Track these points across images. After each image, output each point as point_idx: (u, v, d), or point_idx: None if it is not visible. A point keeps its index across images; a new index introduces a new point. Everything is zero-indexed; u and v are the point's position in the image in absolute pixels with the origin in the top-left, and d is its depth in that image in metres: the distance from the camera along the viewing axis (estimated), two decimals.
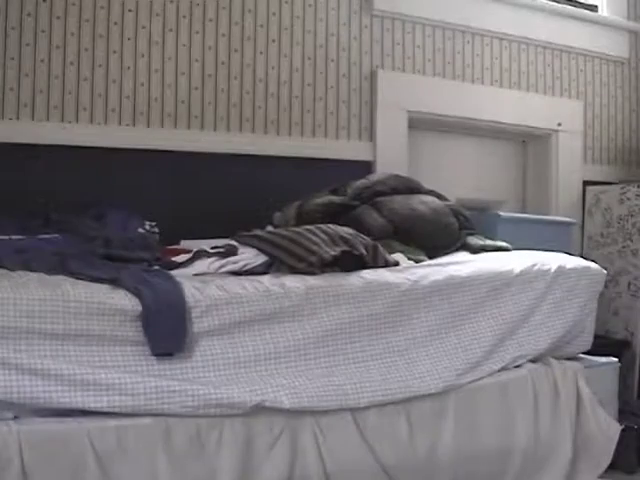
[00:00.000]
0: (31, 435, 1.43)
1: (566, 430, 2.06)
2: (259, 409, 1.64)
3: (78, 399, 1.48)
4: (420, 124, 3.31)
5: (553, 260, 2.26)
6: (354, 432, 1.75)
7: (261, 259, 1.96)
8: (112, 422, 1.51)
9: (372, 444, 1.78)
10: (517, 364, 2.08)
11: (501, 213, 2.82)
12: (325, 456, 1.71)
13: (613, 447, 2.11)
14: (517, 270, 2.16)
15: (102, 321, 1.57)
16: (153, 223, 2.38)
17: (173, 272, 1.84)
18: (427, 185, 2.71)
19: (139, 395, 1.53)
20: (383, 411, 1.80)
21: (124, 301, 1.60)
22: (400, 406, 1.82)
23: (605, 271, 2.35)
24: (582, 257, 2.48)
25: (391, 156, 3.13)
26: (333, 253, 1.94)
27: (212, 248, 2.02)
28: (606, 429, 2.12)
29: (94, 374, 1.51)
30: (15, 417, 1.46)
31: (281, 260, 1.94)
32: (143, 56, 2.69)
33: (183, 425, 1.57)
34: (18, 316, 1.49)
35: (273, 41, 2.94)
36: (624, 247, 3.37)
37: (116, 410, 1.52)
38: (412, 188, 2.63)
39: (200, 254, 2.00)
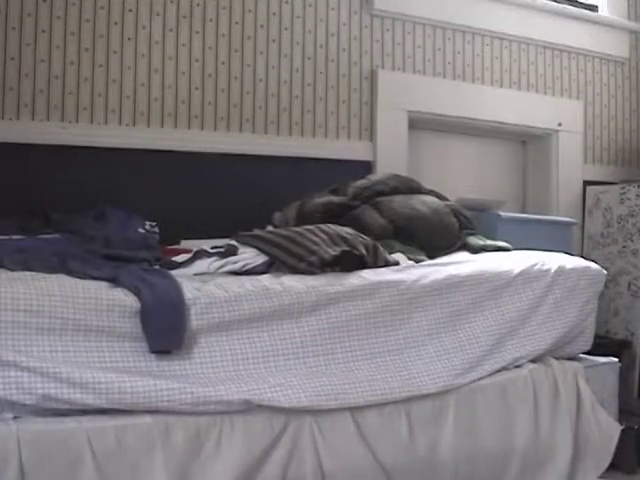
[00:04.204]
0: (29, 434, 1.42)
1: (566, 430, 2.05)
2: (258, 408, 1.64)
3: (77, 396, 1.48)
4: (420, 124, 3.31)
5: (553, 260, 2.26)
6: (354, 432, 1.75)
7: (261, 259, 1.96)
8: (111, 422, 1.51)
9: (371, 444, 1.77)
10: (517, 364, 2.08)
11: (501, 213, 2.82)
12: (324, 456, 1.70)
13: (613, 447, 2.11)
14: (517, 270, 2.16)
15: (100, 317, 1.57)
16: (153, 223, 2.38)
17: (173, 272, 1.84)
18: (427, 185, 2.71)
19: (138, 393, 1.53)
20: (383, 411, 1.80)
21: (123, 296, 1.61)
22: (400, 406, 1.82)
23: (605, 271, 2.34)
24: (582, 257, 2.48)
25: (391, 156, 3.13)
26: (333, 253, 1.94)
27: (212, 248, 2.02)
28: (606, 429, 2.11)
29: (92, 371, 1.51)
30: (15, 417, 1.46)
31: (281, 260, 1.94)
32: (143, 56, 2.69)
33: (182, 424, 1.56)
34: (15, 310, 1.50)
35: (273, 41, 2.94)
36: (624, 247, 3.37)
37: (115, 407, 1.51)
38: (412, 188, 2.63)
39: (200, 254, 2.00)
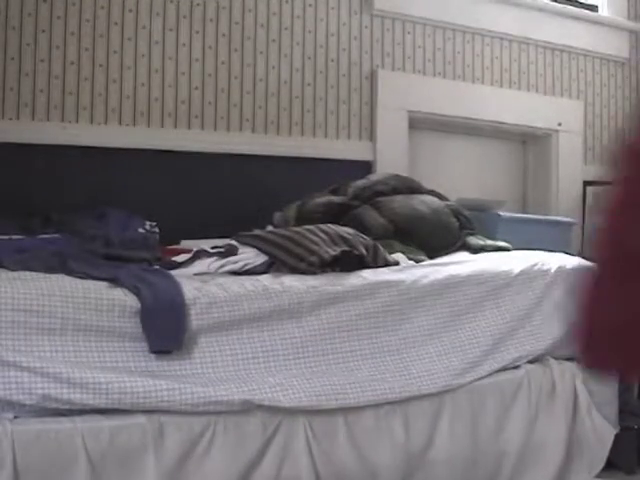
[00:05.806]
0: (24, 434, 1.42)
1: (560, 431, 2.05)
2: (256, 408, 1.64)
3: (77, 396, 1.48)
4: (420, 124, 3.31)
5: (553, 260, 2.26)
6: (348, 433, 1.75)
7: (261, 259, 1.96)
8: (105, 422, 1.50)
9: (367, 445, 1.77)
10: (517, 364, 2.08)
11: (501, 213, 2.82)
12: (318, 457, 1.69)
13: (607, 451, 2.09)
14: (517, 270, 2.16)
15: (100, 317, 1.57)
16: (153, 223, 2.38)
17: (173, 272, 1.84)
18: (427, 185, 2.71)
19: (138, 393, 1.53)
20: (379, 412, 1.80)
21: (122, 296, 1.61)
22: (396, 406, 1.82)
23: None
24: (582, 257, 2.48)
25: (391, 156, 3.13)
26: (333, 253, 1.94)
27: (212, 248, 2.02)
28: (600, 432, 2.10)
29: (92, 371, 1.51)
30: (15, 417, 1.45)
31: (281, 260, 1.94)
32: (143, 56, 2.69)
33: (176, 425, 1.56)
34: (15, 310, 1.49)
35: (273, 41, 2.94)
36: None
37: (115, 407, 1.51)
38: (412, 188, 2.63)
39: (200, 254, 2.00)
